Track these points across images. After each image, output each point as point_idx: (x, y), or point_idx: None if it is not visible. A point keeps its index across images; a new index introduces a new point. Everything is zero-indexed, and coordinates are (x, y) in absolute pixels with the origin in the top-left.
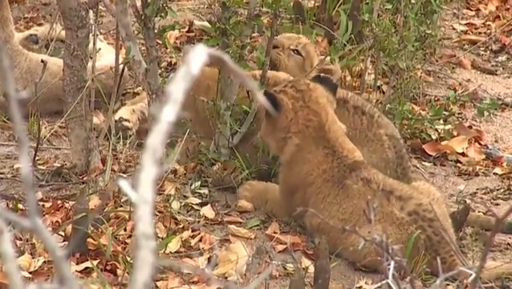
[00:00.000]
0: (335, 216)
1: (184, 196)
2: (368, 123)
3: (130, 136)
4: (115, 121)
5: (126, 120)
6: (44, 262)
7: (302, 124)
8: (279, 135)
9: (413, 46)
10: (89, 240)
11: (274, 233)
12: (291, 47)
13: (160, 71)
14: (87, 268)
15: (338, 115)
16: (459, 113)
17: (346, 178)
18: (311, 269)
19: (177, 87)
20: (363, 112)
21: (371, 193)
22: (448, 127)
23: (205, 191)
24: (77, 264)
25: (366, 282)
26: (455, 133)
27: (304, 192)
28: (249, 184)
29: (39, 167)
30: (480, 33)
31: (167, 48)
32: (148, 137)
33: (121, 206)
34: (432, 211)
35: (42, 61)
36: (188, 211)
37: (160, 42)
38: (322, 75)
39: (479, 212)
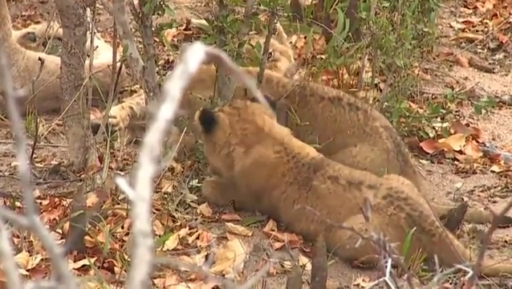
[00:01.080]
0: (313, 220)
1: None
2: (364, 117)
3: (115, 131)
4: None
5: (112, 117)
6: (42, 259)
7: (240, 134)
8: (223, 152)
9: (411, 44)
10: (86, 238)
11: (272, 230)
12: None
13: (157, 68)
14: (84, 266)
15: (334, 113)
16: (456, 111)
17: (312, 180)
18: (309, 266)
19: (175, 85)
20: (358, 108)
21: (341, 190)
22: (445, 125)
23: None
24: (74, 262)
25: (363, 280)
26: (452, 131)
27: (270, 195)
28: (212, 181)
29: (37, 165)
30: (477, 31)
31: (164, 46)
32: (145, 135)
33: (118, 204)
34: (404, 192)
35: (39, 59)
36: (185, 209)
37: (158, 40)
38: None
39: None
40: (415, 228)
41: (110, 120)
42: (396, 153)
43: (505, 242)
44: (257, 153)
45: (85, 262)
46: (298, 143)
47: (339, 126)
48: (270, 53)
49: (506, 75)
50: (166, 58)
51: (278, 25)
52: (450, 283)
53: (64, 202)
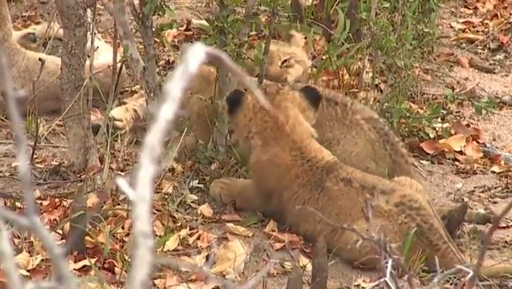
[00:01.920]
0: (320, 221)
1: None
2: (342, 112)
3: (121, 134)
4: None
5: (118, 120)
6: (42, 260)
7: (260, 125)
8: (242, 133)
9: (411, 44)
10: (87, 238)
11: (272, 231)
12: None
13: (157, 69)
14: (84, 266)
15: (326, 113)
16: (457, 112)
17: (324, 181)
18: (309, 267)
19: (175, 86)
20: (336, 103)
21: (354, 193)
22: (446, 125)
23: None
24: (75, 262)
25: (364, 281)
26: (453, 132)
27: (281, 195)
28: (222, 182)
29: (37, 165)
30: (478, 31)
31: (165, 47)
32: (145, 136)
33: (119, 204)
34: (418, 200)
35: (39, 59)
36: (186, 209)
37: (158, 40)
38: (309, 85)
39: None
40: (415, 228)
41: (116, 122)
42: (383, 143)
43: (506, 242)
44: (273, 152)
45: (85, 262)
46: (316, 146)
47: (318, 121)
48: (286, 60)
49: (507, 76)
50: (167, 58)
51: (299, 36)
52: (451, 284)
53: (65, 203)
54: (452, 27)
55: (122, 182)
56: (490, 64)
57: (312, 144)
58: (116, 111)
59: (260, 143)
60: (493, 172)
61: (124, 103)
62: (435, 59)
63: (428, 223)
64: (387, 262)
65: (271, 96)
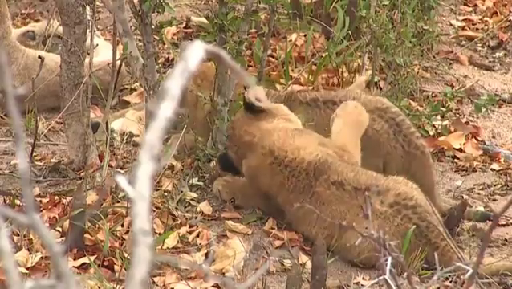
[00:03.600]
0: (316, 225)
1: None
2: None
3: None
4: (124, 134)
5: (136, 136)
6: (41, 257)
7: (240, 153)
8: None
9: (410, 42)
10: (86, 236)
11: (272, 228)
12: None
13: (157, 66)
14: (84, 264)
15: (311, 115)
16: (456, 109)
17: (314, 186)
18: (309, 265)
19: (175, 83)
20: (334, 102)
21: (347, 196)
22: (445, 123)
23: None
24: (74, 260)
25: (363, 278)
26: (452, 129)
27: (276, 199)
28: (225, 180)
29: (36, 163)
30: (477, 29)
31: (164, 44)
32: (145, 133)
33: (118, 202)
34: (413, 198)
35: (39, 57)
36: (185, 207)
37: (158, 38)
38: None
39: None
40: (414, 226)
41: (135, 139)
42: (394, 134)
43: (506, 240)
44: (254, 163)
45: (85, 260)
46: (291, 146)
47: (317, 125)
48: None
49: (506, 73)
50: (166, 56)
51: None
52: (450, 282)
53: (64, 200)
54: (451, 25)
55: (121, 180)
56: (490, 62)
57: (287, 144)
58: (132, 127)
59: (244, 160)
60: (492, 169)
61: (125, 102)
62: (434, 57)
63: (426, 221)
64: (386, 260)
65: (234, 125)
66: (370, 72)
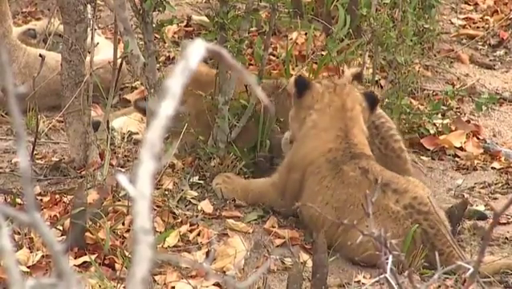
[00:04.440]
0: (328, 202)
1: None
2: None
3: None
4: (127, 135)
5: (135, 133)
6: (42, 256)
7: (326, 103)
8: (302, 115)
9: (411, 40)
10: (87, 234)
11: (272, 227)
12: None
13: (158, 65)
14: (85, 262)
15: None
16: (457, 108)
17: (344, 163)
18: (309, 263)
19: (176, 82)
20: None
21: (366, 184)
22: (446, 121)
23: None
24: (75, 258)
25: (364, 277)
26: (453, 128)
27: (303, 172)
28: (226, 176)
29: (37, 161)
30: (478, 27)
31: (165, 43)
32: (146, 132)
33: (119, 201)
34: (428, 204)
35: (40, 55)
36: (186, 205)
37: (158, 36)
38: (368, 91)
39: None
40: (417, 225)
41: (135, 136)
42: (371, 136)
43: (506, 238)
44: (322, 127)
45: (86, 258)
46: (363, 140)
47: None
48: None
49: (507, 72)
50: (167, 54)
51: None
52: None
53: (65, 199)
54: (452, 23)
55: (122, 178)
56: (491, 60)
57: (360, 136)
58: (133, 126)
59: (315, 117)
60: (493, 168)
61: (126, 101)
62: (435, 55)
63: (435, 229)
64: (387, 259)
65: (338, 87)
66: (371, 71)
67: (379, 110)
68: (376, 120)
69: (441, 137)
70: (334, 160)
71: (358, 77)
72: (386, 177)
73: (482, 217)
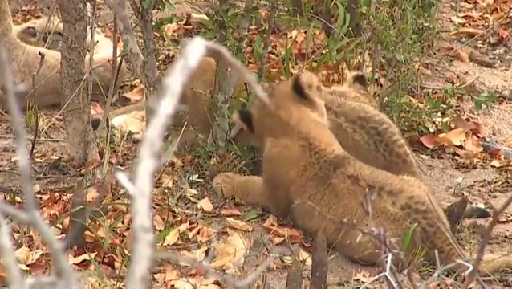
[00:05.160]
0: (325, 217)
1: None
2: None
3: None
4: (127, 134)
5: (136, 133)
6: (42, 254)
7: (269, 126)
8: (259, 138)
9: (411, 38)
10: (87, 233)
11: (272, 225)
12: None
13: (157, 63)
14: (84, 261)
15: None
16: (457, 106)
17: (331, 177)
18: (309, 262)
19: (175, 80)
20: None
21: (360, 191)
22: (445, 119)
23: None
24: (75, 257)
25: (363, 275)
26: (453, 126)
27: (288, 189)
28: (226, 175)
29: (37, 160)
30: (478, 26)
31: (164, 41)
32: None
33: (119, 199)
34: (425, 202)
35: (39, 54)
36: (185, 204)
37: (158, 34)
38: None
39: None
40: (416, 224)
41: (135, 136)
42: (375, 144)
43: (506, 236)
44: (282, 144)
45: (85, 257)
46: (327, 139)
47: None
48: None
49: (507, 70)
50: (166, 53)
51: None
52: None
53: (64, 197)
54: (452, 21)
55: (122, 177)
56: (490, 58)
57: (323, 135)
58: (133, 125)
59: (271, 138)
60: (493, 166)
61: (125, 99)
62: (435, 54)
63: (434, 227)
64: (387, 257)
65: (267, 106)
66: (370, 69)
67: (380, 115)
68: (379, 126)
69: (441, 135)
70: (316, 177)
71: (360, 79)
72: (379, 180)
73: (483, 214)
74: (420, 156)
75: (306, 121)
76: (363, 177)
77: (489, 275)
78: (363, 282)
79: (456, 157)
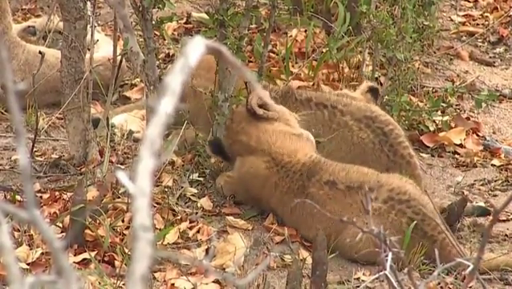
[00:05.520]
0: (311, 227)
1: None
2: (329, 114)
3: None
4: (127, 133)
5: (136, 132)
6: (42, 253)
7: (236, 151)
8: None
9: (411, 37)
10: (87, 231)
11: (272, 224)
12: None
13: (157, 62)
14: (84, 259)
15: (303, 113)
16: (457, 105)
17: (307, 187)
18: (309, 260)
19: (175, 79)
20: (325, 106)
21: (341, 195)
22: (446, 118)
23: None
24: (75, 255)
25: (364, 274)
26: (453, 125)
27: (268, 202)
28: (227, 175)
29: (37, 158)
30: (478, 24)
31: (165, 40)
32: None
33: (119, 198)
34: (407, 192)
35: (39, 52)
36: (185, 202)
37: (158, 33)
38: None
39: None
40: (415, 222)
41: (135, 135)
42: (380, 144)
43: (506, 235)
44: (249, 163)
45: (85, 255)
46: (288, 148)
47: (306, 126)
48: None
49: (507, 69)
50: (166, 51)
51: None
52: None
53: (64, 196)
54: (452, 20)
55: (122, 175)
56: (490, 57)
57: (285, 146)
58: (133, 124)
59: (239, 157)
60: (493, 165)
61: (126, 98)
62: (435, 52)
63: (421, 214)
64: (387, 256)
65: (229, 131)
66: (371, 68)
67: (386, 116)
68: (385, 127)
69: (441, 134)
70: (291, 190)
71: (373, 91)
72: (356, 179)
73: (485, 212)
74: (421, 154)
75: (266, 137)
76: (340, 180)
77: (489, 274)
78: (363, 280)
79: (456, 156)
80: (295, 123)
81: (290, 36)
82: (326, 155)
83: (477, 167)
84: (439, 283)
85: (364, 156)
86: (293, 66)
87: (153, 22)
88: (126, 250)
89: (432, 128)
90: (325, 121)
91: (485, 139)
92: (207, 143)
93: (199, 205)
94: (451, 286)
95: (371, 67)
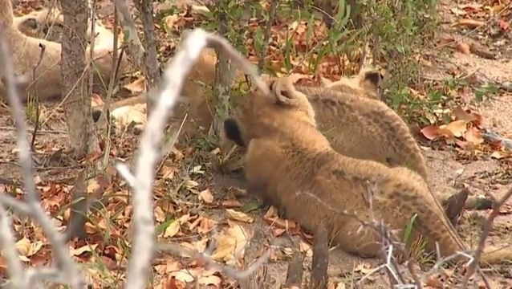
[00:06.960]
0: (315, 214)
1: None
2: (338, 110)
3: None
4: (129, 125)
5: (138, 123)
6: (42, 246)
7: (252, 132)
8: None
9: (411, 30)
10: (87, 224)
11: (272, 217)
12: None
13: (158, 55)
14: (85, 252)
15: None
16: (457, 97)
17: (316, 174)
18: (310, 253)
19: (176, 72)
20: (333, 103)
21: (347, 185)
22: (446, 111)
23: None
24: (75, 248)
25: (364, 267)
26: (453, 117)
27: (275, 188)
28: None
29: (38, 151)
30: (478, 17)
31: (165, 33)
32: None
33: (119, 190)
34: (414, 189)
35: (40, 45)
36: (186, 195)
37: (159, 26)
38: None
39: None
40: (416, 214)
41: (137, 126)
42: (388, 138)
43: (507, 228)
44: (265, 146)
45: (86, 248)
46: (308, 137)
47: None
48: None
49: (507, 62)
50: (167, 44)
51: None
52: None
53: (65, 189)
54: (452, 13)
55: (123, 168)
56: (491, 50)
57: (305, 135)
58: (136, 116)
59: (254, 139)
60: (493, 158)
61: (126, 91)
62: (435, 45)
63: (426, 212)
64: (387, 249)
65: (249, 112)
66: (371, 61)
67: (392, 112)
68: (392, 122)
69: (441, 127)
70: (300, 176)
71: (373, 77)
72: (364, 172)
73: (487, 205)
74: (421, 147)
75: (290, 122)
76: (348, 171)
77: (489, 267)
78: (363, 273)
79: (456, 149)
80: (312, 114)
81: (291, 29)
82: (335, 145)
83: (477, 160)
84: (439, 276)
85: (373, 149)
86: (293, 59)
87: (154, 15)
88: (127, 243)
89: (432, 121)
90: (334, 117)
91: (486, 132)
92: (224, 123)
93: (200, 198)
94: (451, 279)
95: (371, 60)
